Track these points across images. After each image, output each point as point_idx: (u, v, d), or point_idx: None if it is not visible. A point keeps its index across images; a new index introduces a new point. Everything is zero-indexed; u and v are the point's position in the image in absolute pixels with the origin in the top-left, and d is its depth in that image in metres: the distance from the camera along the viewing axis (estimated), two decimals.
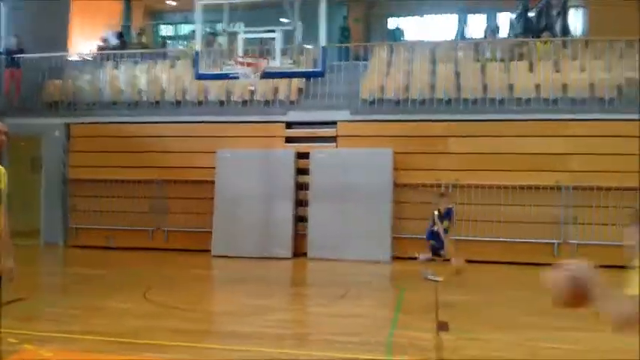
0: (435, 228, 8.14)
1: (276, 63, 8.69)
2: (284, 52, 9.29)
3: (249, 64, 8.48)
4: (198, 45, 9.19)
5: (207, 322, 6.71)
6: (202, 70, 9.43)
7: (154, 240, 12.24)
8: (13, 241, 4.04)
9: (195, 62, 9.35)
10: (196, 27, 8.84)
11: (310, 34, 10.21)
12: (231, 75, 8.89)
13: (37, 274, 9.46)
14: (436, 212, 8.26)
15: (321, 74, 9.03)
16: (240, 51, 8.76)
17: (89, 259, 11.23)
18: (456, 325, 6.26)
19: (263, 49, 10.28)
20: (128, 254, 11.55)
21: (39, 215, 12.81)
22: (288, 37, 9.15)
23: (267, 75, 8.82)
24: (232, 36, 9.75)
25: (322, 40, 8.66)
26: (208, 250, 11.46)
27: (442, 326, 6.28)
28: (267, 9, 11.57)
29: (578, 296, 1.86)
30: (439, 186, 11.11)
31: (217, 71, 10.68)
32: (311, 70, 9.58)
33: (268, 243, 11.14)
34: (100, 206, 12.42)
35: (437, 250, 8.12)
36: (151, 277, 9.13)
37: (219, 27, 17.42)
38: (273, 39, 8.78)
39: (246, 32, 8.80)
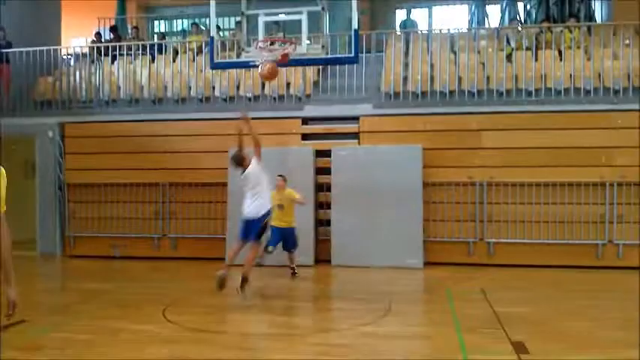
0: None
1: (303, 49, 7.72)
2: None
3: (273, 50, 7.51)
4: (212, 30, 8.19)
5: (245, 349, 5.75)
6: (217, 60, 8.45)
7: (160, 248, 11.25)
8: None
9: (210, 50, 8.35)
10: (211, 8, 7.83)
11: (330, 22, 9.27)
12: (251, 63, 7.90)
13: (35, 291, 8.44)
14: None
15: (354, 60, 8.08)
16: (260, 36, 7.78)
17: (91, 270, 10.23)
18: (532, 345, 5.44)
19: (281, 35, 9.36)
20: (133, 264, 10.58)
21: (34, 223, 11.76)
22: (310, 22, 8.18)
23: (292, 62, 7.85)
24: (247, 21, 8.79)
25: (354, 23, 7.70)
26: (222, 259, 10.46)
27: (520, 348, 5.46)
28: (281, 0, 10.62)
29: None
30: (473, 184, 10.26)
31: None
32: (343, 56, 8.64)
33: None
34: (99, 212, 11.42)
35: None
36: (165, 292, 8.15)
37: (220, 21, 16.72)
38: (297, 22, 7.76)
39: (267, 14, 7.80)
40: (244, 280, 7.31)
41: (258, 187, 7.56)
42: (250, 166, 7.58)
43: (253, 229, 7.47)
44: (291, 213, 9.08)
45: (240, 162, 7.64)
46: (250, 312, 7.17)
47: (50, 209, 11.81)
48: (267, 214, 7.61)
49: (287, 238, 9.04)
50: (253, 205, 7.53)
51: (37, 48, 12.29)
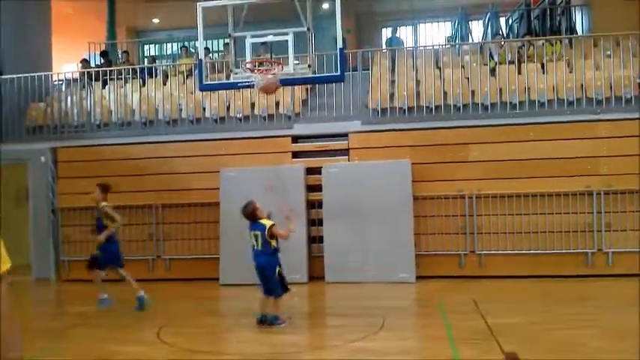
0: None
1: (290, 69, 7.88)
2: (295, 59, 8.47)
3: (260, 71, 7.66)
4: (201, 53, 8.34)
5: None
6: (206, 81, 8.59)
7: (155, 270, 11.30)
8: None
9: (198, 72, 8.49)
10: (198, 31, 7.97)
11: (316, 42, 9.46)
12: (240, 84, 8.04)
13: (31, 316, 8.48)
14: None
15: (340, 78, 8.18)
16: (248, 57, 7.94)
17: (85, 295, 10.23)
18: (525, 356, 5.50)
19: (268, 56, 9.51)
20: (127, 287, 10.57)
21: (28, 248, 11.79)
22: (297, 42, 8.35)
23: (280, 82, 7.98)
24: (235, 43, 8.93)
25: (339, 42, 7.87)
26: (215, 279, 10.55)
27: (512, 359, 5.53)
28: (267, 22, 10.81)
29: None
30: (462, 197, 10.40)
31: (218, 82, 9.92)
32: (329, 74, 8.80)
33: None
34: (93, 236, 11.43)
35: None
36: (159, 314, 8.20)
37: (209, 44, 16.93)
38: (284, 42, 7.92)
39: (254, 36, 7.97)
40: None
41: None
42: None
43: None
44: None
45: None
46: (245, 331, 7.23)
47: (44, 234, 11.86)
48: None
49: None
50: None
51: (29, 74, 12.43)
